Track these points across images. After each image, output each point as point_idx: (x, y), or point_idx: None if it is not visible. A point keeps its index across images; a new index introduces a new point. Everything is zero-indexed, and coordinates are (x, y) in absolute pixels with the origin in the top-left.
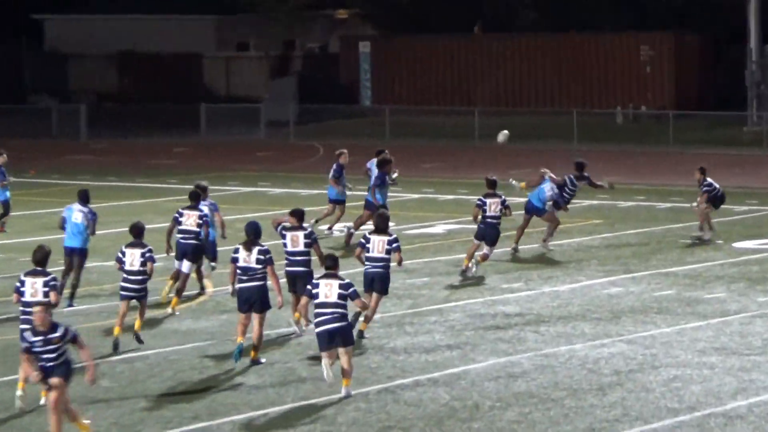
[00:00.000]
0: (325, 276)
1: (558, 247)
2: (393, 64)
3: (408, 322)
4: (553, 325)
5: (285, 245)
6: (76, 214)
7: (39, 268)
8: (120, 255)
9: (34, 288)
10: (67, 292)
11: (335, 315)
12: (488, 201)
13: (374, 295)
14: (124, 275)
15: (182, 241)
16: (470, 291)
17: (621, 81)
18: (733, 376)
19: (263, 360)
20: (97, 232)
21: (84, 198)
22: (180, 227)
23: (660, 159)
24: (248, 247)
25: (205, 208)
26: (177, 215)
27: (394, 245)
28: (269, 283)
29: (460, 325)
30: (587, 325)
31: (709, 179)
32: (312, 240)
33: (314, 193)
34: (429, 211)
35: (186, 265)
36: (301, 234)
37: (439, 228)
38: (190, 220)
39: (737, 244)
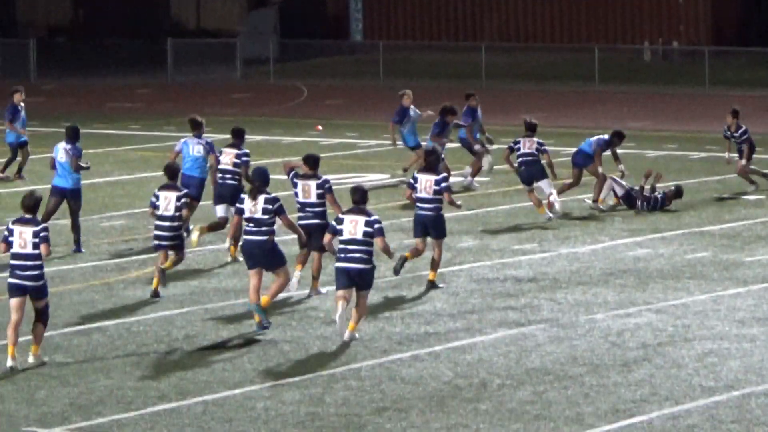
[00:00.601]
0: (350, 211)
1: (576, 204)
2: None
3: (405, 288)
4: (571, 291)
5: (296, 195)
6: (61, 152)
7: (28, 216)
8: (153, 199)
9: (22, 238)
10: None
11: (359, 255)
12: (522, 140)
13: (434, 241)
14: (157, 222)
15: (219, 181)
16: (476, 253)
17: (649, 12)
18: None
19: (266, 323)
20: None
21: (72, 135)
22: (219, 167)
23: (694, 102)
24: (254, 195)
25: (200, 147)
26: (218, 154)
27: (443, 185)
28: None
29: (465, 291)
30: (610, 292)
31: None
32: (326, 189)
33: (297, 140)
34: None
35: (222, 208)
36: (313, 183)
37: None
38: (227, 158)
39: None
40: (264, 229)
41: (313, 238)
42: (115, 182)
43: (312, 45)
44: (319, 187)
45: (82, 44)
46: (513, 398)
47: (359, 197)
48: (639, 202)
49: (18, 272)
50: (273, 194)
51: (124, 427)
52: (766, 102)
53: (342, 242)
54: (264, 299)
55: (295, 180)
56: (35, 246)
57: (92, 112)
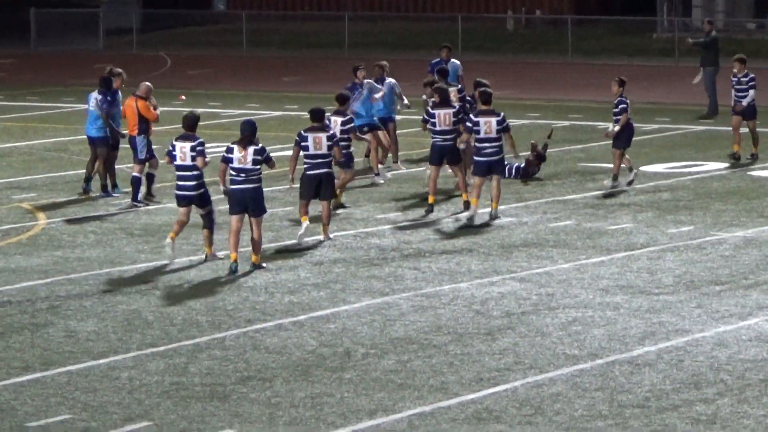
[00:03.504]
0: (482, 113)
1: (442, 172)
2: None
3: (269, 258)
4: (434, 260)
5: (306, 149)
6: (91, 101)
7: (188, 133)
8: (327, 121)
9: (182, 152)
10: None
11: (493, 149)
12: (310, 135)
13: (434, 168)
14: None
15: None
16: (340, 222)
17: None
18: (640, 319)
19: (264, 265)
20: None
21: (103, 84)
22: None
23: (557, 71)
24: (243, 145)
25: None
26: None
27: (460, 116)
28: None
29: (329, 261)
30: (474, 261)
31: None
32: (334, 141)
33: (161, 110)
34: (292, 131)
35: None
36: (323, 135)
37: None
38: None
39: (645, 168)
40: (253, 177)
41: (322, 187)
42: None
43: (175, 15)
44: (329, 138)
45: None
46: (377, 367)
47: (486, 98)
48: (506, 171)
49: (180, 183)
50: (261, 144)
51: None
52: (630, 70)
53: (478, 140)
54: (254, 258)
55: (304, 134)
56: (193, 158)
57: None
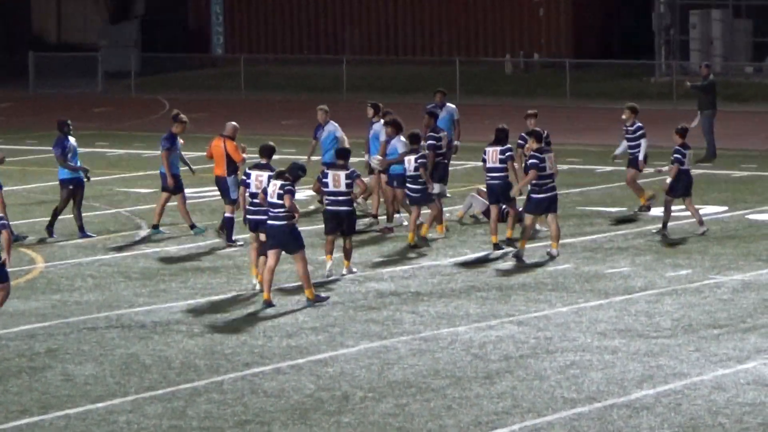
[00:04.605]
0: (544, 150)
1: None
2: (249, 4)
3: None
4: (433, 304)
5: (326, 185)
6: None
7: (264, 162)
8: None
9: (258, 181)
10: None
11: (552, 185)
12: (330, 173)
13: (494, 207)
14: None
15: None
16: (338, 266)
17: (510, 24)
18: (639, 362)
19: (324, 295)
20: None
21: (58, 129)
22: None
23: (555, 114)
24: (273, 179)
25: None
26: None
27: (507, 154)
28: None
29: (327, 304)
30: (472, 305)
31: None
32: (353, 178)
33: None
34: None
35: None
36: (342, 173)
37: (302, 195)
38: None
39: (643, 212)
40: (281, 214)
41: (344, 223)
42: None
43: (174, 59)
44: (348, 177)
45: None
46: (375, 411)
47: (539, 137)
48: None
49: (252, 208)
50: (288, 181)
51: None
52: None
53: (541, 177)
54: (308, 293)
55: (326, 171)
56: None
57: None
